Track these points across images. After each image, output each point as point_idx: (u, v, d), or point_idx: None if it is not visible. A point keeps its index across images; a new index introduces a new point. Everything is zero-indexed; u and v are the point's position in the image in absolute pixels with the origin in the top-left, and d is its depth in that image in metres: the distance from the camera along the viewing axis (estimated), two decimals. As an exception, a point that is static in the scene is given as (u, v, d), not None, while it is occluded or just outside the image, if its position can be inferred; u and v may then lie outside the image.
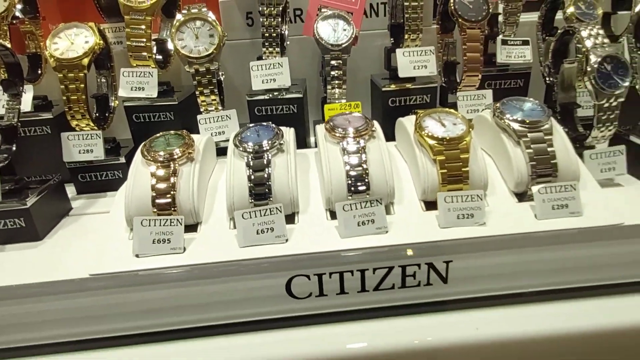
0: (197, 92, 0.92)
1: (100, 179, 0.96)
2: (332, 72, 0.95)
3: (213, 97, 0.92)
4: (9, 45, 0.84)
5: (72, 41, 0.90)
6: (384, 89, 1.00)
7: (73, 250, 0.76)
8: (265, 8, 0.93)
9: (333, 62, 0.95)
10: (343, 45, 0.94)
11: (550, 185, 0.74)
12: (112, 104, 1.02)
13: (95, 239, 0.77)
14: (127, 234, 0.74)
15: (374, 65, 1.14)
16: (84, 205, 0.92)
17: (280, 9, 0.93)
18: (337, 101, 0.97)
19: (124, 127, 1.03)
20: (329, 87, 0.96)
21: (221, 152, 0.91)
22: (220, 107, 0.94)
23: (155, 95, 0.93)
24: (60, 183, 0.88)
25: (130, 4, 0.90)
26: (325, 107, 0.97)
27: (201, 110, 0.94)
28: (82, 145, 0.91)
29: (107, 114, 1.01)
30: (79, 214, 0.89)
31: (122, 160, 0.95)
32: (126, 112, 0.98)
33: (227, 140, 0.93)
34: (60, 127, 0.99)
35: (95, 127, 0.93)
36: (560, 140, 0.79)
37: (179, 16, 0.91)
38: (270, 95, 0.97)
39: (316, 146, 1.03)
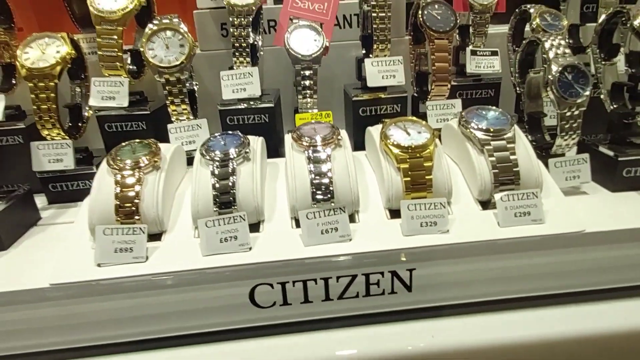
0: (167, 102, 0.92)
1: (72, 188, 0.96)
2: (303, 82, 0.97)
3: (184, 106, 0.93)
4: (-23, 55, 0.84)
5: (44, 51, 0.91)
6: (354, 99, 1.01)
7: (37, 260, 0.76)
8: (235, 19, 0.94)
9: (304, 72, 0.96)
10: (313, 56, 0.95)
11: (512, 193, 0.75)
12: (86, 114, 1.02)
13: (59, 248, 0.77)
14: (91, 243, 0.74)
15: (348, 75, 1.15)
16: (54, 215, 0.92)
17: (250, 19, 0.94)
18: (308, 110, 0.98)
19: (98, 137, 1.04)
20: (300, 96, 0.97)
21: (192, 161, 0.91)
22: (191, 117, 0.94)
23: (125, 104, 0.94)
24: (29, 193, 0.88)
25: (102, 15, 0.91)
26: (297, 117, 0.97)
27: (172, 119, 0.94)
28: (52, 154, 0.91)
29: (80, 124, 1.01)
30: (47, 223, 0.88)
31: (94, 169, 0.95)
32: (98, 122, 0.98)
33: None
34: (32, 136, 0.99)
35: (66, 137, 0.93)
36: (524, 149, 0.81)
37: (150, 26, 0.92)
38: (243, 105, 0.98)
39: (289, 155, 1.04)
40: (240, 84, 0.94)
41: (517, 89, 1.09)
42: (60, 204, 0.96)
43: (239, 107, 0.97)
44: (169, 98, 0.92)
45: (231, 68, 0.98)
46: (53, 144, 0.91)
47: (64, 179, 0.95)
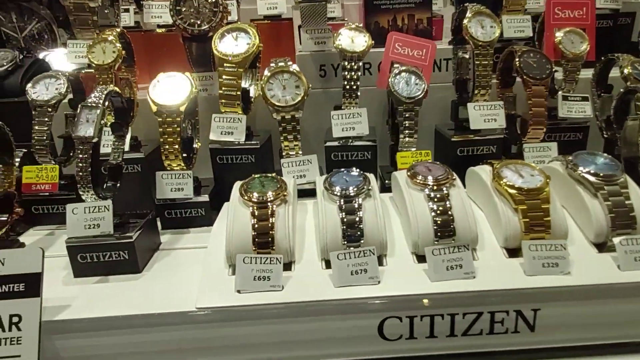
0: (281, 138, 0.99)
1: (184, 215, 1.02)
2: (405, 123, 1.02)
3: (296, 142, 0.99)
4: (120, 91, 0.93)
5: (172, 89, 0.99)
6: (453, 139, 1.06)
7: (173, 283, 0.80)
8: (347, 63, 1.01)
9: (406, 113, 1.02)
10: (416, 98, 1.01)
11: (631, 238, 0.77)
12: (196, 146, 1.10)
13: (192, 272, 0.82)
14: (227, 269, 0.79)
15: (435, 116, 1.21)
16: (171, 240, 0.97)
17: (361, 64, 1.02)
18: (408, 149, 1.03)
19: (200, 167, 1.11)
20: (401, 136, 1.03)
21: (299, 194, 0.96)
22: (300, 152, 1.01)
23: (242, 139, 1.01)
24: (154, 218, 0.94)
25: (225, 57, 1.00)
26: (398, 155, 1.03)
27: (283, 154, 1.00)
28: (174, 183, 0.98)
29: (191, 155, 1.08)
30: (168, 248, 0.94)
31: (206, 198, 1.02)
32: (211, 154, 1.05)
33: (308, 183, 0.99)
34: (149, 165, 1.07)
35: (185, 167, 1.00)
36: (635, 194, 0.83)
37: (266, 72, 1.00)
38: (347, 142, 1.04)
39: (383, 190, 1.08)
40: (349, 123, 1.01)
41: (604, 133, 1.13)
42: (172, 230, 1.02)
43: (344, 144, 1.03)
44: (284, 134, 0.98)
45: (338, 108, 1.05)
46: (175, 174, 0.98)
47: (178, 206, 1.01)
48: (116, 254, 0.82)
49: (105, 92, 0.85)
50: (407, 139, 1.04)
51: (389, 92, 1.03)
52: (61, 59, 1.47)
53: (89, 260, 0.82)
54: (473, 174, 0.94)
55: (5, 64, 1.29)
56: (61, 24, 1.93)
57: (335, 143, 1.04)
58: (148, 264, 0.87)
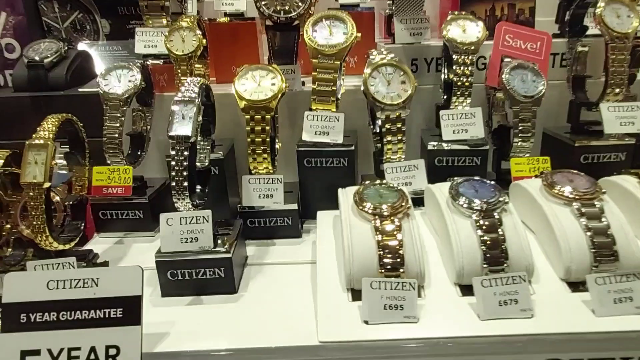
0: (385, 140, 0.87)
1: (269, 225, 0.90)
2: (520, 125, 0.90)
3: (400, 145, 0.87)
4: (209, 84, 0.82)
5: (259, 83, 0.88)
6: (577, 145, 0.93)
7: (278, 309, 0.69)
8: (459, 57, 0.89)
9: (521, 114, 0.89)
10: (535, 97, 0.89)
11: None
12: (277, 146, 0.98)
13: (295, 294, 0.71)
14: (346, 294, 0.67)
15: (541, 117, 1.08)
16: (257, 253, 0.86)
17: (475, 58, 0.89)
18: (523, 155, 0.91)
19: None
20: (515, 139, 0.90)
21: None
22: (403, 156, 0.89)
23: (340, 140, 0.89)
24: (243, 230, 0.83)
25: (320, 48, 0.88)
26: (512, 161, 0.90)
27: (384, 157, 0.88)
28: (263, 189, 0.86)
29: (273, 157, 0.96)
30: (257, 263, 0.83)
31: (294, 206, 0.90)
32: (298, 156, 0.94)
33: (412, 192, 0.87)
34: (227, 167, 0.96)
35: (272, 171, 0.89)
36: None
37: (367, 68, 0.88)
38: (454, 146, 0.91)
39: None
40: (461, 124, 0.88)
41: None
42: (255, 240, 0.90)
43: (450, 148, 0.91)
44: (387, 136, 0.86)
45: (442, 107, 0.93)
46: (264, 178, 0.86)
47: (263, 214, 0.90)
48: (210, 271, 0.71)
49: (198, 85, 0.74)
50: (521, 143, 0.91)
51: (502, 89, 0.91)
52: (98, 51, 1.38)
53: (179, 277, 0.71)
54: (610, 184, 0.81)
55: (49, 55, 1.18)
56: (104, 14, 1.84)
57: (439, 147, 0.92)
58: (242, 282, 0.76)
